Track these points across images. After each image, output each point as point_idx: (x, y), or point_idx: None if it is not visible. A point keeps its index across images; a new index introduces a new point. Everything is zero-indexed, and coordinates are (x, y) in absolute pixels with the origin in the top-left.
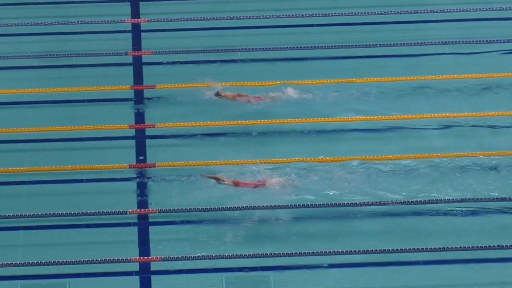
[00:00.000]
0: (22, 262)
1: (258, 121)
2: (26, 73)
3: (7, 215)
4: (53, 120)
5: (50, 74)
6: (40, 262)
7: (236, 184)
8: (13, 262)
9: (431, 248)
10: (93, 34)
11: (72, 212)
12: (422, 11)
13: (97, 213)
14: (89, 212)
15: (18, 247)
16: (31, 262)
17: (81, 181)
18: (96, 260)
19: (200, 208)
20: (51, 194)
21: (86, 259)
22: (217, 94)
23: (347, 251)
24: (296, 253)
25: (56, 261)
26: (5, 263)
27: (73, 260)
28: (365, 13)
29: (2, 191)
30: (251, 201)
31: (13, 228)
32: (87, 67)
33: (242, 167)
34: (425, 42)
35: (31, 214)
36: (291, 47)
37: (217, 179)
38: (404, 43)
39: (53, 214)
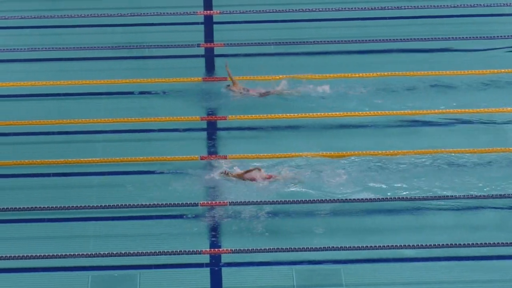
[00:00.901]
0: (93, 253)
1: (326, 113)
2: (100, 64)
3: (78, 205)
4: (126, 111)
5: (122, 66)
6: (111, 253)
7: (247, 178)
8: (84, 253)
9: (496, 243)
10: (166, 26)
11: (144, 204)
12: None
13: (168, 205)
14: (160, 203)
15: (89, 238)
16: (102, 253)
17: (153, 172)
18: (166, 252)
19: (271, 201)
20: (122, 185)
21: (157, 251)
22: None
23: (418, 245)
24: (367, 246)
25: (127, 252)
26: (76, 253)
27: (144, 252)
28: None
29: (74, 182)
30: (326, 195)
31: (84, 219)
32: (159, 59)
33: (307, 159)
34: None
35: (102, 205)
36: (372, 40)
37: (225, 173)
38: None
39: (123, 205)
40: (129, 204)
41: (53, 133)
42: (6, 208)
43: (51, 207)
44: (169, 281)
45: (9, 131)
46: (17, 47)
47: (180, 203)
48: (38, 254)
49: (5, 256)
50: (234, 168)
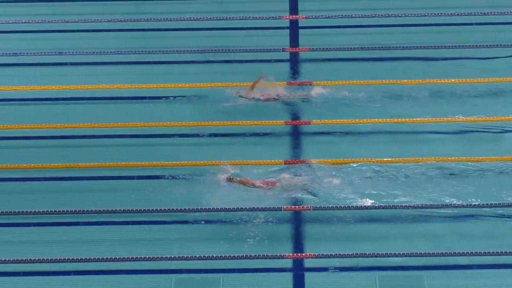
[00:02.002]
0: (177, 256)
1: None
2: (183, 68)
3: (162, 208)
4: (209, 115)
5: (207, 69)
6: (194, 257)
7: (250, 183)
8: (168, 256)
9: None
10: (251, 30)
11: (226, 208)
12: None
13: (252, 209)
14: (243, 207)
15: (172, 241)
16: (185, 256)
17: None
18: (250, 256)
19: (352, 206)
20: (206, 187)
21: (240, 255)
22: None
23: (505, 252)
24: (451, 253)
25: (210, 256)
26: (159, 256)
27: (227, 255)
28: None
29: (161, 184)
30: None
31: (168, 222)
32: (244, 63)
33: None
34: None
35: (186, 208)
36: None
37: (227, 177)
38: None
39: (208, 209)
40: (213, 208)
41: (137, 135)
42: (101, 211)
43: (137, 209)
44: (251, 285)
45: (100, 133)
46: (103, 50)
47: (264, 207)
48: (123, 257)
49: (92, 258)
50: (238, 171)
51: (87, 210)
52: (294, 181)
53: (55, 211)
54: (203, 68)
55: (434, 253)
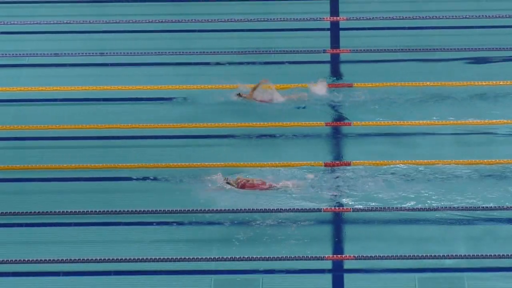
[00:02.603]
0: (216, 257)
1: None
2: (224, 69)
3: (200, 209)
4: (249, 116)
5: (248, 70)
6: (234, 258)
7: (243, 186)
8: (207, 257)
9: None
10: (292, 32)
11: (264, 209)
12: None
13: (291, 210)
14: (282, 208)
15: (212, 242)
16: (225, 257)
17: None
18: (289, 257)
19: (392, 207)
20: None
21: (280, 256)
22: (239, 96)
23: None
24: (492, 255)
25: (250, 256)
26: (199, 257)
27: (267, 256)
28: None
29: (195, 186)
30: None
31: (209, 223)
32: (285, 64)
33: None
34: None
35: (225, 209)
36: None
37: (223, 179)
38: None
39: (249, 210)
40: (252, 209)
41: (183, 136)
42: (140, 211)
43: (176, 210)
44: (291, 286)
45: (142, 134)
46: (145, 51)
47: (304, 208)
48: (164, 257)
49: (136, 259)
50: (235, 175)
51: (126, 211)
52: (295, 183)
53: (95, 211)
54: (244, 70)
55: (474, 255)
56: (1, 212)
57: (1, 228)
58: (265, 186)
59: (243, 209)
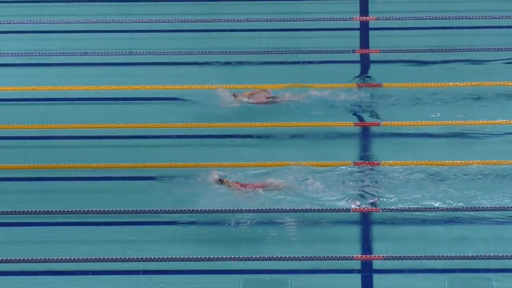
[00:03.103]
0: (245, 257)
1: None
2: (252, 68)
3: (231, 209)
4: (279, 115)
5: (276, 70)
6: (263, 257)
7: (241, 186)
8: (236, 257)
9: None
10: (322, 31)
11: (293, 208)
12: None
13: (320, 210)
14: (311, 208)
15: (241, 242)
16: (253, 257)
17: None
18: (318, 257)
19: (423, 208)
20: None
21: (308, 256)
22: (234, 96)
23: None
24: None
25: (279, 256)
26: (228, 257)
27: (296, 256)
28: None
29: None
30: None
31: (237, 223)
32: (313, 64)
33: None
34: None
35: (252, 209)
36: None
37: (221, 181)
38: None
39: (278, 210)
40: (281, 209)
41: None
42: (168, 210)
43: (205, 210)
44: (319, 286)
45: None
46: (177, 51)
47: (332, 208)
48: (192, 257)
49: (162, 258)
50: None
51: (153, 210)
52: (280, 184)
53: (124, 210)
54: (273, 69)
55: (503, 255)
56: (32, 211)
57: (33, 227)
58: (258, 186)
59: (270, 209)
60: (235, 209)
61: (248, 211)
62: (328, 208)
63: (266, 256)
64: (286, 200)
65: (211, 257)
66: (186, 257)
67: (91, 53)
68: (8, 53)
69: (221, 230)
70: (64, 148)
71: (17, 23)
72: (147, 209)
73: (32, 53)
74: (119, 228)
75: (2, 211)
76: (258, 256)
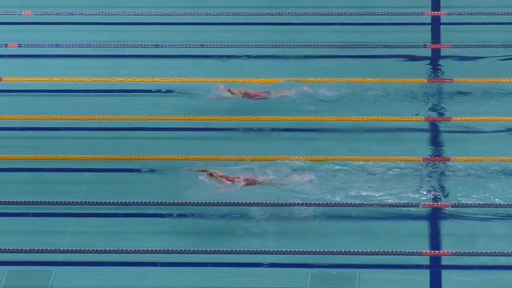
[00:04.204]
0: (313, 251)
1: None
2: (324, 61)
3: (298, 203)
4: (344, 110)
5: (348, 64)
6: (331, 251)
7: (230, 180)
8: (303, 250)
9: None
10: (393, 26)
11: (366, 203)
12: None
13: (390, 205)
14: (383, 203)
15: (308, 235)
16: (322, 250)
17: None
18: (387, 252)
19: (493, 204)
20: (335, 181)
21: (377, 250)
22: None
23: None
24: None
25: (347, 250)
26: (296, 250)
27: (364, 251)
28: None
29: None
30: None
31: (305, 217)
32: (384, 58)
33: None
34: None
35: (319, 203)
36: None
37: (206, 172)
38: None
39: (347, 204)
40: (353, 203)
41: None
42: (237, 203)
43: (272, 203)
44: (388, 281)
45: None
46: (243, 44)
47: (401, 203)
48: (260, 250)
49: (228, 251)
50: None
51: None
52: (270, 178)
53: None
54: (342, 63)
55: None
56: (102, 202)
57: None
58: (248, 181)
59: (340, 203)
60: (301, 202)
61: (313, 204)
62: (398, 203)
63: (334, 250)
64: (352, 194)
65: (279, 250)
66: (254, 250)
67: (162, 45)
68: (80, 44)
69: (288, 224)
70: (134, 139)
71: (89, 14)
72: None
73: (105, 45)
74: (180, 220)
75: (74, 202)
76: (325, 250)
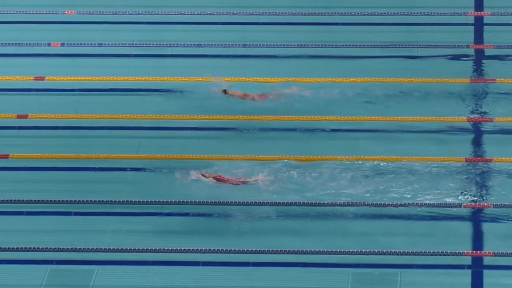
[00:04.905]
0: (354, 251)
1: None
2: (368, 61)
3: (340, 203)
4: (386, 110)
5: (391, 65)
6: (372, 252)
7: (218, 179)
8: (346, 250)
9: None
10: (436, 26)
11: (407, 203)
12: None
13: (430, 205)
14: (421, 203)
15: (351, 236)
16: (363, 251)
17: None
18: (427, 252)
19: None
20: (378, 181)
21: (418, 251)
22: (225, 92)
23: None
24: None
25: (389, 251)
26: (337, 250)
27: (405, 251)
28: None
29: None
30: None
31: (346, 218)
32: (428, 58)
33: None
34: None
35: (360, 203)
36: None
37: (202, 175)
38: None
39: (389, 204)
40: (394, 203)
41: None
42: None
43: (310, 203)
44: (429, 281)
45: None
46: (285, 43)
47: (443, 203)
48: (298, 250)
49: (269, 251)
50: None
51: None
52: (269, 179)
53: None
54: (386, 63)
55: None
56: (141, 201)
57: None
58: (240, 180)
59: (384, 204)
60: (342, 202)
61: (355, 204)
62: (440, 203)
63: (375, 250)
64: (394, 195)
65: (321, 250)
66: (294, 250)
67: (204, 44)
68: (123, 44)
69: (325, 225)
70: (177, 139)
71: (132, 13)
72: (252, 202)
73: (148, 45)
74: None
75: (115, 201)
76: (366, 250)
